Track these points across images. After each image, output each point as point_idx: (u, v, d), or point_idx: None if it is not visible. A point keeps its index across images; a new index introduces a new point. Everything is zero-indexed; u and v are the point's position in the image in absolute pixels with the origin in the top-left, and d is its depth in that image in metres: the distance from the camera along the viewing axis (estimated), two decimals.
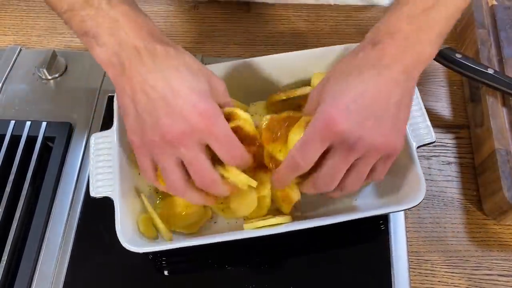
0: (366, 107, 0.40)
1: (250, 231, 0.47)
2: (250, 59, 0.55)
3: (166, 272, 0.53)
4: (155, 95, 0.40)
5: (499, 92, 0.58)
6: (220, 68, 0.54)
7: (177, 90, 0.40)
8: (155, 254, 0.52)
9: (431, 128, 0.50)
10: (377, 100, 0.40)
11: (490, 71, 0.56)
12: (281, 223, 0.47)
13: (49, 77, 0.64)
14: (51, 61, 0.64)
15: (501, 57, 0.60)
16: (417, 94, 0.51)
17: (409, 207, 0.46)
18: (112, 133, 0.51)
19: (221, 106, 0.44)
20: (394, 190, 0.50)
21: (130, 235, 0.47)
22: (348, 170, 0.43)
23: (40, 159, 0.58)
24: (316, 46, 0.53)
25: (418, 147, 0.49)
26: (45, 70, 0.64)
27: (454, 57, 0.58)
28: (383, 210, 0.49)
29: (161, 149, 0.41)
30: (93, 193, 0.49)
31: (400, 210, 0.48)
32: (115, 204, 0.47)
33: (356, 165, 0.42)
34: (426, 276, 0.53)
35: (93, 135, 0.52)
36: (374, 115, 0.40)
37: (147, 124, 0.41)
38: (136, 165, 0.49)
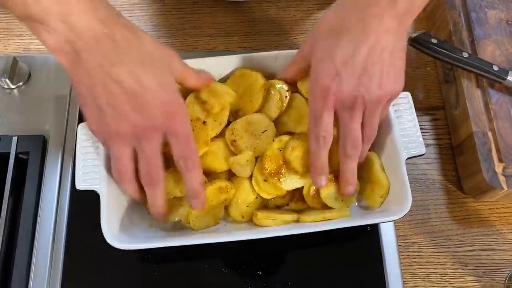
0: (357, 66, 0.42)
1: (237, 234, 0.48)
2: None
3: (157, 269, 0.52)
4: (119, 90, 0.40)
5: (473, 74, 0.59)
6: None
7: (145, 86, 0.41)
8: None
9: (421, 139, 0.50)
10: (368, 56, 0.42)
11: (465, 54, 0.58)
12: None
13: (12, 86, 0.60)
14: (12, 69, 0.60)
15: (473, 38, 0.61)
16: (411, 105, 0.52)
17: (395, 219, 0.47)
18: None
19: (183, 81, 0.47)
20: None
21: (115, 231, 0.47)
22: (363, 125, 0.45)
23: (16, 174, 0.55)
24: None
25: (408, 158, 0.49)
26: (7, 79, 0.59)
27: (430, 43, 0.58)
28: (371, 220, 0.50)
29: (121, 139, 0.42)
30: (79, 186, 0.48)
31: (386, 221, 0.50)
32: (101, 198, 0.47)
33: (366, 118, 0.45)
34: (414, 258, 0.56)
35: (80, 125, 0.51)
36: (368, 71, 0.42)
37: (108, 116, 0.41)
38: None
